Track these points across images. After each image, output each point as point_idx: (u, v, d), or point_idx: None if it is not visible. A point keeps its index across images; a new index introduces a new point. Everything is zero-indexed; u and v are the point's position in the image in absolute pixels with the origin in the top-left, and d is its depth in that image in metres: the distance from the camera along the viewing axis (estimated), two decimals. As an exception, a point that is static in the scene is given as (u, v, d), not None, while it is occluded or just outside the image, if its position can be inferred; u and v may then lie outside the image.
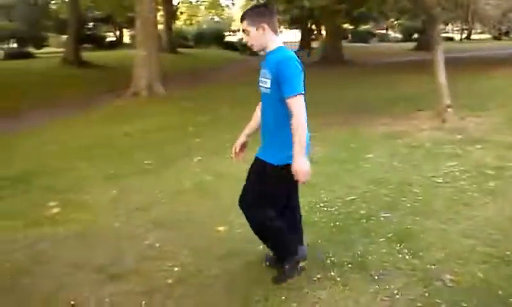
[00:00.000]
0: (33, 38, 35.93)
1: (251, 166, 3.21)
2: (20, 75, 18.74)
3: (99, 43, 40.99)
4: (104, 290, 3.18)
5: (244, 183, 3.29)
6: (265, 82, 2.93)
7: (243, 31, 2.97)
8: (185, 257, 3.57)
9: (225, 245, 3.73)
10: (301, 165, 2.71)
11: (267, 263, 3.35)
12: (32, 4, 36.33)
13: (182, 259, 3.53)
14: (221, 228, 4.03)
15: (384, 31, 48.59)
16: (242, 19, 2.96)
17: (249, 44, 3.00)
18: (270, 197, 3.05)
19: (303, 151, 2.75)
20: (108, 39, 44.80)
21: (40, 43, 37.22)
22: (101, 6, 32.91)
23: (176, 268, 3.41)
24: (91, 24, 40.96)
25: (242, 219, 4.11)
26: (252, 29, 2.90)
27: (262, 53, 3.03)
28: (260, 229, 3.16)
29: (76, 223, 4.37)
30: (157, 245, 3.79)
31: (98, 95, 15.18)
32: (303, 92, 2.84)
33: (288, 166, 2.78)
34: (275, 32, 2.94)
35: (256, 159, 3.14)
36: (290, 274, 3.16)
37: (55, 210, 4.72)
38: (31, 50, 33.51)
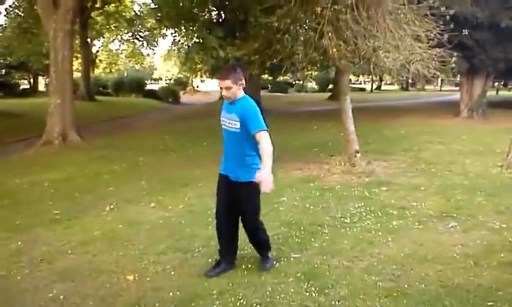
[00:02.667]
0: None
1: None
2: None
3: (12, 90, 39.16)
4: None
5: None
6: (234, 123, 3.75)
7: (225, 87, 3.71)
8: (90, 308, 3.44)
9: (134, 294, 3.64)
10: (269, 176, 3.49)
11: None
12: None
13: (86, 311, 3.40)
14: (130, 277, 3.92)
15: (301, 82, 50.73)
16: (224, 78, 3.72)
17: (227, 96, 3.78)
18: None
19: (269, 168, 3.53)
20: (22, 86, 43.00)
21: None
22: (15, 52, 31.69)
23: (79, 321, 3.27)
24: (3, 71, 39.18)
25: (153, 267, 4.10)
26: (234, 87, 3.71)
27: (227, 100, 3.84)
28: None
29: (-27, 278, 4.08)
30: (61, 297, 3.62)
31: (8, 144, 14.41)
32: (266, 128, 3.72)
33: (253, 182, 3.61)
34: None
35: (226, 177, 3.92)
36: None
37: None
38: None
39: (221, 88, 3.81)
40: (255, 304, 3.37)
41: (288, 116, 20.82)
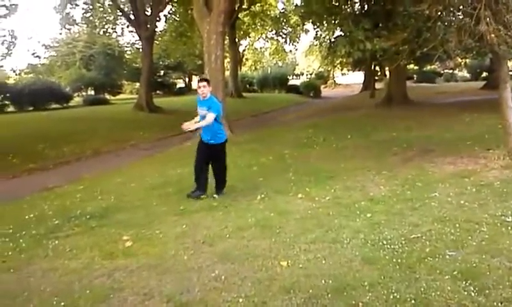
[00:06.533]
0: (109, 85, 38.42)
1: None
2: (98, 120, 20.10)
3: (169, 89, 43.22)
4: (172, 317, 3.38)
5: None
6: (203, 111, 6.72)
7: (204, 86, 6.73)
8: (249, 289, 3.70)
9: (288, 279, 3.82)
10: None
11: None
12: (110, 53, 39.01)
13: (246, 291, 3.67)
14: (283, 263, 4.14)
15: (450, 71, 47.42)
16: (204, 81, 6.88)
17: (204, 94, 6.72)
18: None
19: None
20: (178, 85, 47.09)
21: (115, 90, 39.72)
22: (172, 54, 34.81)
23: (240, 300, 3.55)
24: (162, 72, 43.31)
25: (305, 255, 4.27)
26: (206, 88, 6.74)
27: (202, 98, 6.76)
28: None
29: (148, 255, 4.66)
30: (223, 277, 3.96)
31: (169, 138, 15.99)
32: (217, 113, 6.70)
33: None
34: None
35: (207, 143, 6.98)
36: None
37: (128, 243, 5.05)
38: (107, 96, 35.84)
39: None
40: (408, 300, 3.32)
41: (437, 107, 19.66)
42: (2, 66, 47.22)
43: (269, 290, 3.67)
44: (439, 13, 8.17)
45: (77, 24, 29.26)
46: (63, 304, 3.68)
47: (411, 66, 32.05)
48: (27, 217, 6.69)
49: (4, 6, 19.90)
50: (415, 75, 45.00)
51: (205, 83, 6.79)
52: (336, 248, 4.43)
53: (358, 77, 48.68)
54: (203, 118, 6.70)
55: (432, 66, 43.59)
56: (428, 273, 3.72)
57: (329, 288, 3.59)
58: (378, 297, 3.42)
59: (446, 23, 8.67)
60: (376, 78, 35.09)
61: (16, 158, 12.23)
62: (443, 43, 8.19)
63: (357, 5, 20.71)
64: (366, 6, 19.99)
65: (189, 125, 6.79)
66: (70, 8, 26.11)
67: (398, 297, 3.38)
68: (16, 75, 45.34)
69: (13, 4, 19.91)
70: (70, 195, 8.08)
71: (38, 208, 7.21)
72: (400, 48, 11.06)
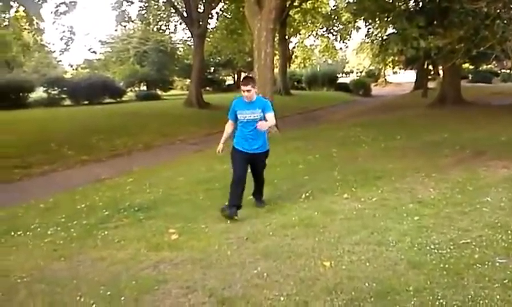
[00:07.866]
0: (161, 81, 39.34)
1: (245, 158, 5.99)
2: (149, 115, 20.64)
3: (219, 85, 43.78)
4: (214, 312, 3.43)
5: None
6: (256, 114, 5.80)
7: (248, 90, 5.76)
8: (291, 288, 3.69)
9: (331, 280, 3.78)
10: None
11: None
12: (162, 50, 39.90)
13: (288, 290, 3.66)
14: (326, 263, 4.09)
15: (508, 71, 45.39)
16: (248, 83, 5.82)
17: (248, 96, 5.79)
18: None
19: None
20: (227, 82, 47.61)
21: (167, 86, 40.62)
22: (223, 51, 35.17)
23: (282, 298, 3.54)
24: (212, 69, 43.88)
25: (348, 256, 4.21)
26: (253, 89, 5.82)
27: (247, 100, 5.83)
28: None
29: (192, 249, 4.74)
30: (265, 274, 3.97)
31: (217, 134, 16.12)
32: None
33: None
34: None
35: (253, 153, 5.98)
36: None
37: (174, 236, 5.17)
38: (159, 92, 36.72)
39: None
40: None
41: (493, 108, 18.89)
42: (60, 61, 49.58)
43: (311, 289, 3.65)
44: (498, 11, 7.86)
45: (132, 21, 30.08)
46: (109, 293, 3.81)
47: (466, 65, 30.86)
48: (79, 207, 6.99)
49: (64, 3, 20.77)
50: (470, 75, 43.44)
51: (249, 86, 5.76)
52: (381, 251, 4.34)
53: (409, 76, 47.51)
54: (255, 122, 5.72)
55: (489, 66, 41.91)
56: (476, 280, 3.59)
57: (373, 292, 3.53)
58: (423, 302, 3.33)
59: (505, 21, 8.34)
60: (429, 77, 34.11)
61: (71, 150, 12.74)
62: (501, 41, 7.88)
63: (411, 2, 20.22)
64: (420, 3, 19.50)
65: (264, 125, 5.65)
66: (126, 6, 26.91)
67: (444, 303, 3.28)
68: (73, 69, 47.40)
69: (72, 2, 20.73)
70: (120, 187, 8.35)
71: (90, 198, 7.50)
72: (456, 47, 10.72)
